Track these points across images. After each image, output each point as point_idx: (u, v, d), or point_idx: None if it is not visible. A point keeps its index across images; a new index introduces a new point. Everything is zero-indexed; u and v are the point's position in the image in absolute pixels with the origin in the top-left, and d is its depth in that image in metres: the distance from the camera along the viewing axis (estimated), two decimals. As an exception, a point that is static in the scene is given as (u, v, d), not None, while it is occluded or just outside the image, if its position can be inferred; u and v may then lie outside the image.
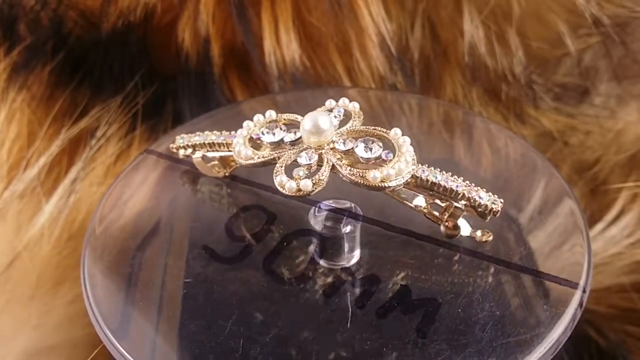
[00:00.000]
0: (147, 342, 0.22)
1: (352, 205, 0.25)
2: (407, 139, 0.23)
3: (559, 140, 0.35)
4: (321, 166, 0.23)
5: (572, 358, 0.31)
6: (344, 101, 0.25)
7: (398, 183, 0.22)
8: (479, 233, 0.25)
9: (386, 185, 0.22)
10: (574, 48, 0.35)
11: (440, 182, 0.23)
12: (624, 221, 0.32)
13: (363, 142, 0.23)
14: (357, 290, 0.24)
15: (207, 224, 0.26)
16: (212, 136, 0.26)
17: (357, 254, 0.25)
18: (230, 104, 0.35)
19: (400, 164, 0.22)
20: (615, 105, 0.35)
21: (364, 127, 0.24)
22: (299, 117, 0.24)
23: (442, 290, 0.24)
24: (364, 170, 0.22)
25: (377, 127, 0.24)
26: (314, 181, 0.22)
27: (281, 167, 0.23)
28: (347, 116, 0.25)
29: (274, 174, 0.23)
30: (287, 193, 0.22)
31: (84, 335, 0.29)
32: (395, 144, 0.23)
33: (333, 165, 0.23)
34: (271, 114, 0.25)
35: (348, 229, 0.24)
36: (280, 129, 0.24)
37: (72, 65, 0.35)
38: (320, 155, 0.23)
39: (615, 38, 0.34)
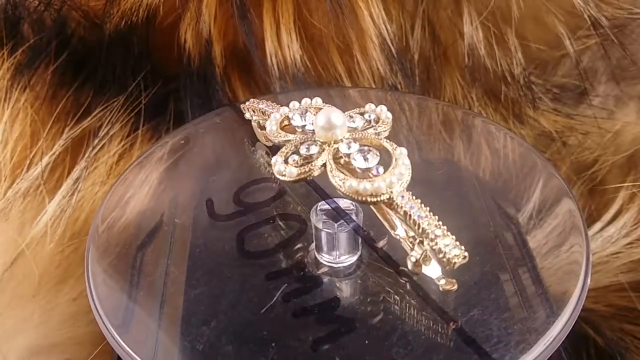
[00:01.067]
0: (150, 338, 0.22)
1: (354, 205, 0.25)
2: (407, 162, 0.23)
3: (557, 140, 0.35)
4: (315, 160, 0.23)
5: (570, 357, 0.31)
6: (381, 108, 0.25)
7: (371, 200, 0.22)
8: (442, 282, 0.23)
9: (360, 198, 0.22)
10: (572, 49, 0.35)
11: (411, 214, 0.22)
12: (621, 221, 0.32)
13: (361, 152, 0.23)
14: (354, 290, 0.24)
15: (209, 222, 0.27)
16: (263, 105, 0.27)
17: (358, 251, 0.25)
18: (231, 104, 0.35)
19: (380, 183, 0.22)
20: (613, 106, 0.36)
21: (376, 136, 0.24)
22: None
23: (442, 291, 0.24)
24: (348, 179, 0.22)
25: (387, 140, 0.24)
26: (300, 171, 0.23)
27: (283, 153, 0.23)
28: (376, 122, 0.25)
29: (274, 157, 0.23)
30: (275, 174, 0.23)
31: (86, 332, 0.29)
32: (394, 159, 0.23)
33: (325, 163, 0.23)
34: (306, 101, 0.25)
35: (348, 227, 0.24)
36: (312, 114, 0.25)
37: (75, 65, 0.35)
38: (321, 150, 0.23)
39: (613, 39, 0.34)
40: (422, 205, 0.22)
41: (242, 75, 0.36)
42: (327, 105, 0.25)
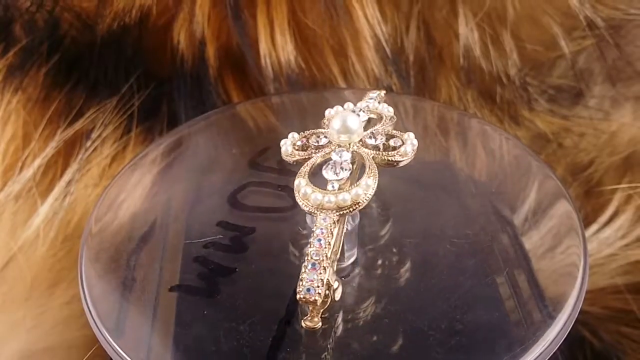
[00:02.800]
0: (143, 341, 0.22)
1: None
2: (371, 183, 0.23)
3: (553, 141, 0.35)
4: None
5: (567, 359, 0.31)
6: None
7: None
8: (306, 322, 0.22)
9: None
10: (568, 50, 0.35)
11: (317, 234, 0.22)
12: (618, 222, 0.32)
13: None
14: (352, 290, 0.24)
15: (203, 225, 0.26)
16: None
17: (354, 253, 0.25)
18: (226, 106, 0.35)
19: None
20: (609, 107, 0.36)
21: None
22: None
23: (437, 290, 0.24)
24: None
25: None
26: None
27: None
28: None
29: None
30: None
31: (79, 336, 0.29)
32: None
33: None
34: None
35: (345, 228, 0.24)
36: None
37: (67, 66, 0.35)
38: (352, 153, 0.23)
39: (609, 40, 0.34)
40: (332, 232, 0.21)
41: (236, 76, 0.35)
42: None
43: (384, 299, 0.23)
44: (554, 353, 0.22)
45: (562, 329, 0.22)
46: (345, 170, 0.23)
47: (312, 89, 0.35)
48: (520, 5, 0.34)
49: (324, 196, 0.22)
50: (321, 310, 0.21)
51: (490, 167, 0.29)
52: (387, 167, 0.23)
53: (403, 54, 0.35)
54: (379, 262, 0.25)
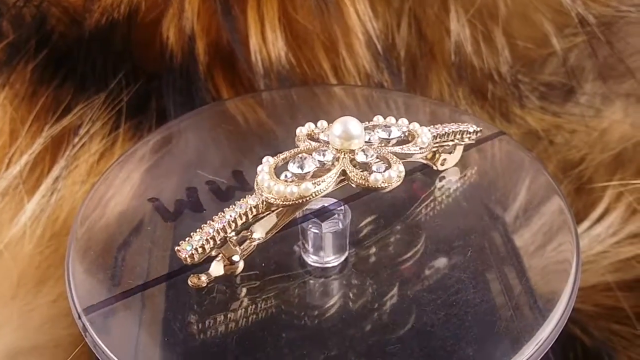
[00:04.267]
0: (131, 340, 0.22)
1: (343, 205, 0.25)
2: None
3: (544, 139, 0.35)
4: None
5: (558, 357, 0.31)
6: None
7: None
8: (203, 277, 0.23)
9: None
10: (559, 47, 0.35)
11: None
12: (609, 220, 0.32)
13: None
14: (343, 290, 0.24)
15: (191, 220, 0.26)
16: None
17: (345, 251, 0.25)
18: (215, 102, 0.35)
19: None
20: (600, 104, 0.36)
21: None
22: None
23: (428, 290, 0.23)
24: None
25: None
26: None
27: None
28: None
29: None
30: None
31: (66, 335, 0.29)
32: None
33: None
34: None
35: (336, 228, 0.24)
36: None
37: (55, 62, 0.35)
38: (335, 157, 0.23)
39: (600, 37, 0.34)
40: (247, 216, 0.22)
41: (225, 72, 0.35)
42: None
43: (374, 296, 0.23)
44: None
45: (555, 326, 0.22)
46: (311, 165, 0.22)
47: (302, 85, 0.34)
48: (512, 2, 0.34)
49: (275, 184, 0.22)
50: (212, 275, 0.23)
51: (481, 162, 0.29)
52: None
53: (394, 50, 0.35)
54: (369, 260, 0.25)
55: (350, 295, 0.24)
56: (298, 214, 0.24)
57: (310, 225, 0.24)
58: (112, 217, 0.26)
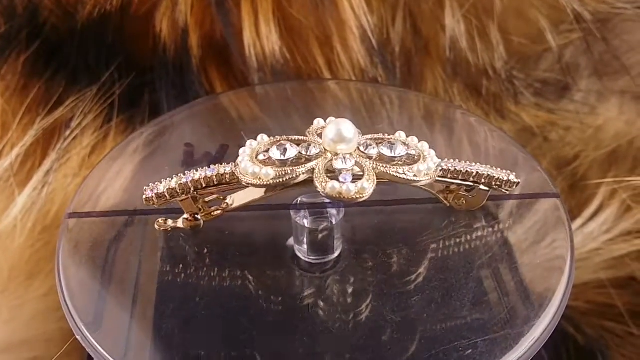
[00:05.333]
0: (122, 335, 0.22)
1: (342, 206, 0.24)
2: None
3: (539, 135, 0.35)
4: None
5: (551, 354, 0.31)
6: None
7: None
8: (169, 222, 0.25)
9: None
10: (555, 44, 0.35)
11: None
12: (602, 217, 0.32)
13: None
14: (334, 285, 0.24)
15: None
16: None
17: (339, 246, 0.24)
18: (209, 96, 0.34)
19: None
20: (595, 101, 0.36)
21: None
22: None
23: (422, 286, 0.23)
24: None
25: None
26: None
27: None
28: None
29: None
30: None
31: (57, 329, 0.29)
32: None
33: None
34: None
35: (324, 224, 0.24)
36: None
37: (47, 54, 0.35)
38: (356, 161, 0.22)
39: (596, 34, 0.34)
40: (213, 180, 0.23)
41: (219, 66, 0.35)
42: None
43: (368, 292, 0.23)
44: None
45: (549, 324, 0.22)
46: (291, 154, 0.22)
47: (296, 80, 0.34)
48: (508, -2, 0.34)
49: (243, 160, 0.22)
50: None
51: (475, 159, 0.28)
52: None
53: (389, 45, 0.35)
54: (363, 255, 0.24)
55: (345, 288, 0.23)
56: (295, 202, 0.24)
57: (296, 216, 0.24)
58: (103, 210, 0.26)
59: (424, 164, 0.23)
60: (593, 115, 0.35)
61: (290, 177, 0.22)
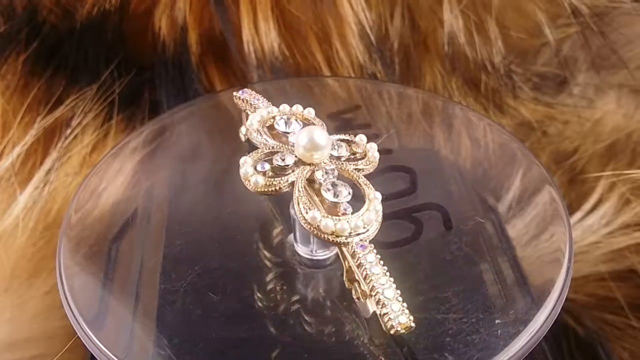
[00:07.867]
0: (124, 333, 0.22)
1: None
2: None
3: (537, 130, 0.35)
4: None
5: (551, 347, 0.31)
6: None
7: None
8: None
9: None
10: (552, 38, 0.35)
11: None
12: (601, 210, 0.32)
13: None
14: (332, 281, 0.24)
15: (185, 213, 0.26)
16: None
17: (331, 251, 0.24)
18: (208, 94, 0.34)
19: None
20: (593, 95, 0.36)
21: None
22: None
23: (422, 279, 0.23)
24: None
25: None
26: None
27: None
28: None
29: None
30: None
31: (60, 327, 0.29)
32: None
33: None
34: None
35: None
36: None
37: (46, 53, 0.35)
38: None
39: (594, 28, 0.34)
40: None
41: (218, 63, 0.35)
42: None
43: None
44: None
45: (548, 316, 0.22)
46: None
47: (295, 77, 0.34)
48: (505, -7, 0.34)
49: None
50: None
51: (474, 154, 0.29)
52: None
53: (387, 41, 0.35)
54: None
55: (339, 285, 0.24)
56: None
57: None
58: (104, 209, 0.26)
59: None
60: (591, 109, 0.35)
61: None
